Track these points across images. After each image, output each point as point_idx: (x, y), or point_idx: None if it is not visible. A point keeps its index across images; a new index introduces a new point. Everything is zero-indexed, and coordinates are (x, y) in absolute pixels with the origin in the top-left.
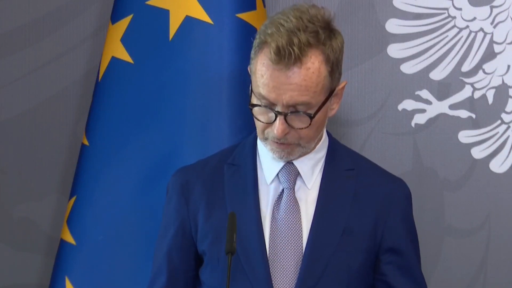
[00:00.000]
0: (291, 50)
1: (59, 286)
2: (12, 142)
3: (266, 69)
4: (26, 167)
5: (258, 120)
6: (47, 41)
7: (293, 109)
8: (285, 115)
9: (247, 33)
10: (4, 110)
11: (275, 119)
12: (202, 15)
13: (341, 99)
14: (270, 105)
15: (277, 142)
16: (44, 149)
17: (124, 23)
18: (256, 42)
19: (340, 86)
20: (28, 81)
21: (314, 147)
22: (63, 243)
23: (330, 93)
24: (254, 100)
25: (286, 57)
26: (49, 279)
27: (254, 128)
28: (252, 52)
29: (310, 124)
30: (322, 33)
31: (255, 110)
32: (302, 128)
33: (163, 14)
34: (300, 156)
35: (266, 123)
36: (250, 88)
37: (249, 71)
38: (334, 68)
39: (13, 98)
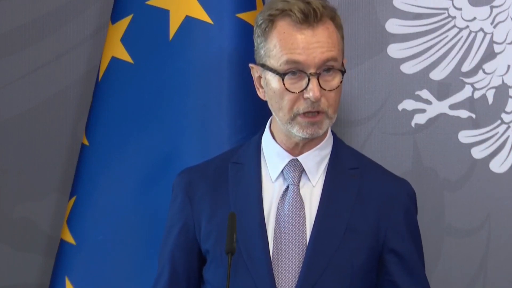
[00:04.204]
0: (314, 8)
1: (59, 286)
2: (12, 142)
3: (289, 34)
4: (26, 167)
5: (289, 92)
6: (47, 41)
7: (325, 67)
8: (318, 76)
9: (247, 33)
10: (4, 110)
11: (308, 83)
12: (202, 15)
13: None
14: (301, 70)
15: (308, 115)
16: (44, 149)
17: (124, 23)
18: (262, 26)
19: (343, 61)
20: (28, 81)
21: (320, 142)
22: (63, 243)
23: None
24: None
25: (312, 15)
26: (49, 279)
27: (254, 128)
28: (262, 38)
29: (341, 82)
30: (327, 5)
31: (287, 81)
32: (332, 90)
33: (163, 14)
34: (312, 147)
35: (298, 92)
36: (256, 79)
37: (253, 66)
38: (343, 36)
39: (13, 98)
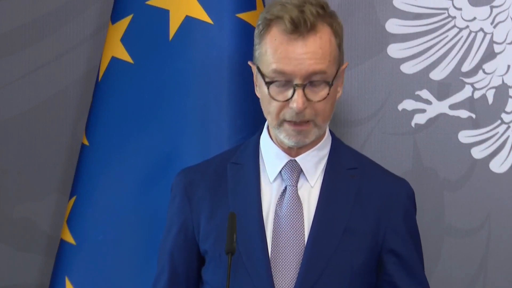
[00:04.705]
0: (306, 18)
1: (59, 286)
2: (12, 142)
3: (279, 43)
4: (26, 167)
5: (274, 100)
6: (47, 41)
7: (311, 79)
8: (304, 87)
9: (247, 33)
10: (4, 110)
11: (293, 93)
12: (202, 15)
13: (343, 82)
14: (288, 80)
15: (294, 123)
16: (44, 149)
17: (124, 23)
18: (259, 28)
19: (343, 66)
20: (28, 81)
21: (318, 142)
22: (63, 243)
23: (338, 69)
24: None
25: (302, 25)
26: (49, 279)
27: (254, 128)
28: (257, 40)
29: (328, 94)
30: (326, 8)
31: (272, 89)
32: (319, 101)
33: (163, 14)
34: (309, 148)
35: (283, 101)
36: (258, 75)
37: (251, 65)
38: (340, 42)
39: (13, 98)
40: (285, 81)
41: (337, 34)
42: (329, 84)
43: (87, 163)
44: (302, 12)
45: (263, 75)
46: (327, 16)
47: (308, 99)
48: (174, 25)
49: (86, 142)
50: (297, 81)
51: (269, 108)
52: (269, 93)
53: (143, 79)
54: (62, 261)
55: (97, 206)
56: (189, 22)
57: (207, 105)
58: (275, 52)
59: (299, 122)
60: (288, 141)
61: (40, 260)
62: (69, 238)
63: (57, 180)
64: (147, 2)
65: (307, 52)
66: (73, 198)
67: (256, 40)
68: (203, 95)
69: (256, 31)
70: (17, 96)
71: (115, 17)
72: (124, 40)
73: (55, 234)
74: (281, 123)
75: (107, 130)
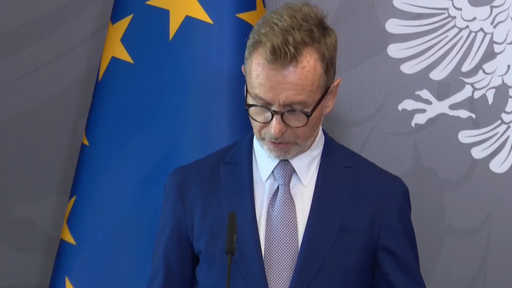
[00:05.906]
0: (286, 49)
1: (59, 286)
2: (12, 142)
3: (261, 69)
4: (26, 167)
5: (254, 120)
6: (47, 41)
7: (289, 108)
8: (282, 114)
9: (247, 33)
10: (4, 110)
11: (272, 118)
12: (202, 15)
13: (336, 96)
14: (266, 105)
15: (274, 142)
16: (44, 149)
17: (124, 23)
18: (250, 42)
19: (335, 83)
20: (28, 81)
21: (310, 146)
22: (63, 243)
23: (325, 91)
24: (250, 100)
25: (282, 56)
26: (49, 279)
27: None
28: (246, 52)
29: (306, 123)
30: (316, 31)
31: (251, 111)
32: (298, 127)
33: (163, 14)
34: (297, 154)
35: (263, 122)
36: (245, 88)
37: (243, 71)
38: (329, 65)
39: (13, 98)
40: (265, 104)
41: (324, 58)
42: (307, 115)
43: (87, 163)
44: (285, 40)
45: (247, 91)
46: (314, 41)
47: (286, 124)
48: (174, 25)
49: (86, 142)
50: (275, 108)
51: (253, 123)
52: (249, 113)
53: (143, 79)
54: (62, 261)
55: (97, 206)
56: (189, 22)
57: (207, 105)
58: (257, 77)
59: (278, 142)
60: (270, 155)
61: (40, 260)
62: (69, 238)
63: (57, 180)
64: (147, 2)
65: (286, 83)
66: (73, 198)
67: (246, 52)
68: (203, 95)
69: (248, 42)
70: (17, 96)
71: (115, 17)
72: (124, 40)
73: (55, 234)
74: (263, 138)
75: (107, 130)
